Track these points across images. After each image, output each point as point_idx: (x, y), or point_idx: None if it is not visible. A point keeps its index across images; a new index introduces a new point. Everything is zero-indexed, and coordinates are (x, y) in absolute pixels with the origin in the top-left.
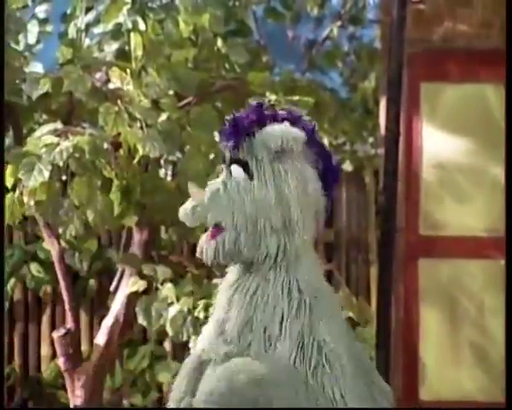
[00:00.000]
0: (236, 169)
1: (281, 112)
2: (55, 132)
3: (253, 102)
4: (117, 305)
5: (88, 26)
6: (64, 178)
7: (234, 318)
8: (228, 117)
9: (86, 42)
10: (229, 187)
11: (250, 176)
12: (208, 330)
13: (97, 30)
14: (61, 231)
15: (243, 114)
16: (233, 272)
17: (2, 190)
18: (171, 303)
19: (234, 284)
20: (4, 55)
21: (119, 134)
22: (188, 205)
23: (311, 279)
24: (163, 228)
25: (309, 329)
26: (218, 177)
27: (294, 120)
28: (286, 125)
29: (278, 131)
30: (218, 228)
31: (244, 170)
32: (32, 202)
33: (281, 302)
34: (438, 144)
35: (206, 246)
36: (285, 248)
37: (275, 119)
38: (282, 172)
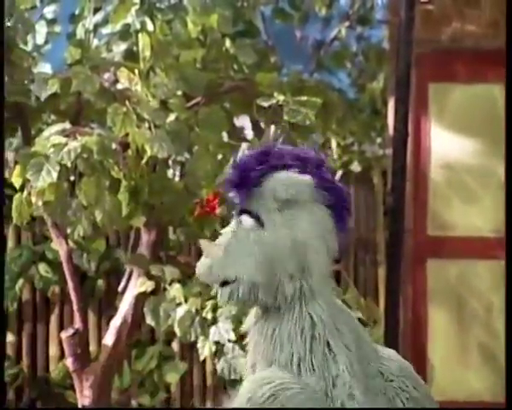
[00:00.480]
0: (246, 219)
1: (287, 154)
2: (64, 133)
3: (260, 147)
4: (125, 305)
5: (96, 26)
6: (72, 178)
7: (259, 362)
8: (233, 164)
9: (94, 42)
10: (240, 238)
11: (261, 225)
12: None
13: (105, 30)
14: (69, 231)
15: (250, 163)
16: (253, 311)
17: (2, 190)
18: (179, 304)
19: (254, 326)
20: (4, 54)
21: (127, 134)
22: (204, 263)
23: (327, 314)
24: (171, 228)
25: (325, 363)
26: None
27: (302, 163)
28: (293, 174)
29: (286, 180)
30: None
31: (254, 219)
32: (40, 203)
33: (296, 341)
34: (446, 145)
35: (220, 291)
36: (301, 290)
37: (282, 165)
38: (293, 218)
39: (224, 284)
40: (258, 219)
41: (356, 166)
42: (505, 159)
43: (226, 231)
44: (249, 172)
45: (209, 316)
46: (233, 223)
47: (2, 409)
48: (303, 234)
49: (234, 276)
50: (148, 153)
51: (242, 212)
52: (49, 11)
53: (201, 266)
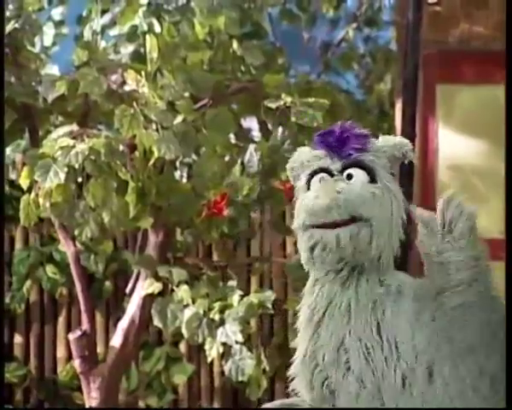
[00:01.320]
0: (359, 172)
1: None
2: (71, 135)
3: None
4: (132, 307)
5: (103, 28)
6: (80, 180)
7: (326, 345)
8: (333, 127)
9: (102, 44)
10: (367, 187)
11: (373, 180)
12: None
13: (113, 32)
14: (76, 232)
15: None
16: (310, 294)
17: (3, 190)
18: (187, 305)
19: (320, 307)
20: (4, 54)
21: (134, 136)
22: (334, 197)
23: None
24: (178, 230)
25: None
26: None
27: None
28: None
29: (399, 142)
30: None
31: (367, 173)
32: (47, 204)
33: (372, 308)
34: (453, 146)
35: (338, 232)
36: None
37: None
38: (393, 179)
39: (349, 222)
40: (372, 174)
41: None
42: (505, 160)
43: (332, 185)
44: (353, 127)
45: (216, 317)
46: (335, 179)
47: (3, 409)
48: (400, 195)
49: (366, 215)
50: (156, 154)
51: (351, 166)
52: (57, 13)
53: (329, 198)
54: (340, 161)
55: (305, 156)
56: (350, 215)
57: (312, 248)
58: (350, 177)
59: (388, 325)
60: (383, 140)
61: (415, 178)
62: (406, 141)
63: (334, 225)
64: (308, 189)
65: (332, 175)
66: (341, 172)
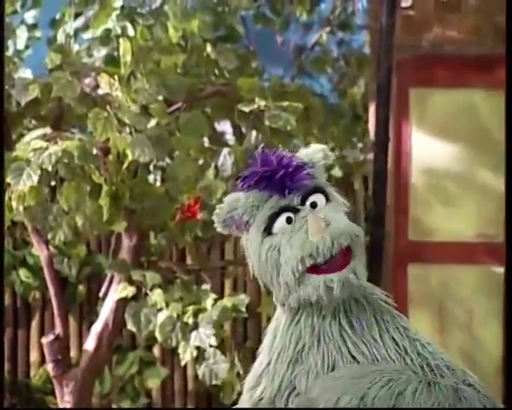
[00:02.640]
0: (319, 197)
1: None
2: (45, 138)
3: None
4: (106, 311)
5: (77, 31)
6: (53, 183)
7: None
8: (272, 158)
9: (75, 47)
10: (335, 215)
11: (328, 200)
12: None
13: (86, 35)
14: (49, 236)
15: (274, 157)
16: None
17: (3, 189)
18: (161, 309)
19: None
20: (4, 55)
21: (108, 139)
22: (324, 236)
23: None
24: (152, 234)
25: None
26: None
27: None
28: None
29: (319, 150)
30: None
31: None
32: (20, 208)
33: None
34: (427, 149)
35: (345, 274)
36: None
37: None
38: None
39: (346, 253)
40: (325, 193)
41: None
42: (505, 159)
43: (313, 217)
44: (289, 158)
45: (190, 321)
46: (303, 213)
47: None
48: None
49: (354, 239)
50: (129, 158)
51: (310, 193)
52: (30, 16)
53: (328, 234)
54: (295, 195)
55: (248, 202)
56: (347, 244)
57: (317, 296)
58: (314, 205)
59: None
60: (307, 153)
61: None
62: (321, 145)
63: (337, 266)
64: (269, 233)
65: (296, 210)
66: (302, 203)
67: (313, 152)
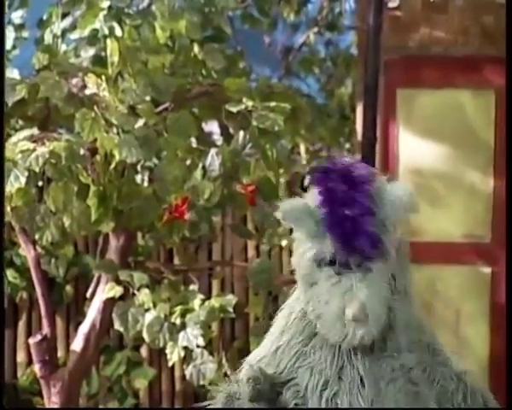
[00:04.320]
0: (378, 266)
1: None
2: (32, 138)
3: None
4: (93, 311)
5: (64, 31)
6: (40, 183)
7: None
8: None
9: (62, 48)
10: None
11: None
12: None
13: (73, 36)
14: (37, 236)
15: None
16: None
17: (3, 189)
18: (148, 309)
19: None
20: (4, 55)
21: (95, 140)
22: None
23: None
24: (140, 234)
25: None
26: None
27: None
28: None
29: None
30: None
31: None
32: (8, 208)
33: None
34: (414, 150)
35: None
36: None
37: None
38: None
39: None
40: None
41: None
42: (506, 159)
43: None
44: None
45: (178, 322)
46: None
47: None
48: None
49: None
50: (117, 158)
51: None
52: (17, 16)
53: (362, 315)
54: (355, 257)
55: (315, 225)
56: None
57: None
58: (369, 270)
59: None
60: (389, 197)
61: None
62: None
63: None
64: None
65: (348, 267)
66: (359, 265)
67: (399, 206)
